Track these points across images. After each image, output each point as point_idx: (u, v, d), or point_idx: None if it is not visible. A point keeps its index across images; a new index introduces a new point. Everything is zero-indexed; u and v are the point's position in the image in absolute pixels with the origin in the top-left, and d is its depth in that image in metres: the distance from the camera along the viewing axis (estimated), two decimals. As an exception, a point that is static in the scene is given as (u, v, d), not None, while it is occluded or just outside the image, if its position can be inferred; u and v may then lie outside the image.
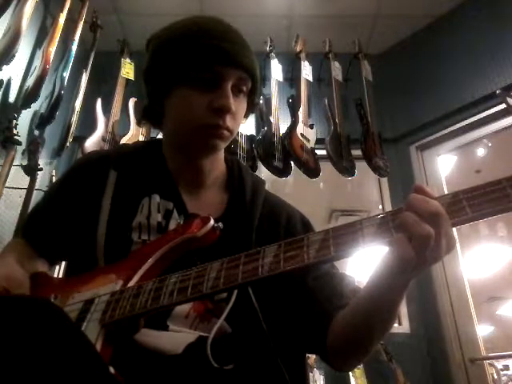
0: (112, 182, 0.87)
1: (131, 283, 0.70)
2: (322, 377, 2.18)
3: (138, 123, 2.72)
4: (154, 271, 0.73)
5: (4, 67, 2.04)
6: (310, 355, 2.14)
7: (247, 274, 0.60)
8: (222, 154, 0.95)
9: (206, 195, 0.91)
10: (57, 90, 2.41)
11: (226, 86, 0.81)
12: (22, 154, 2.23)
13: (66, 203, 0.89)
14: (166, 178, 0.89)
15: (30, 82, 2.25)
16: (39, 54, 2.41)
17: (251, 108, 0.93)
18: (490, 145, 2.92)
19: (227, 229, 0.79)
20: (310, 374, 2.14)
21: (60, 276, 0.97)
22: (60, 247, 0.90)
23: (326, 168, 2.65)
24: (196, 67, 0.81)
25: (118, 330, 0.65)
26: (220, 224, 0.77)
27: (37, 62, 2.35)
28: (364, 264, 2.89)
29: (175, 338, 0.73)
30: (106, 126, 2.67)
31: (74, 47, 2.58)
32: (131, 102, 2.83)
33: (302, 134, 2.70)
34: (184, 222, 0.81)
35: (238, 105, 0.85)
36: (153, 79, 0.88)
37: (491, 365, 2.46)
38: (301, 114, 2.77)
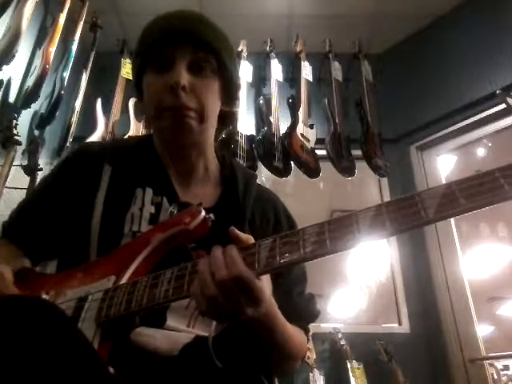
0: (107, 176, 0.87)
1: (124, 278, 0.70)
2: (322, 377, 2.18)
3: (139, 120, 2.73)
4: (146, 265, 0.73)
5: (4, 67, 2.03)
6: (309, 355, 2.14)
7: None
8: (207, 142, 0.92)
9: (199, 188, 0.91)
10: (57, 90, 2.41)
11: (178, 64, 0.82)
12: (22, 153, 2.23)
13: (58, 197, 0.88)
14: (158, 170, 0.89)
15: (30, 82, 2.25)
16: (39, 53, 2.41)
17: (231, 88, 0.90)
18: (489, 145, 2.91)
19: (219, 219, 0.79)
20: (310, 374, 2.14)
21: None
22: (47, 244, 0.88)
23: (326, 168, 2.65)
24: (152, 52, 0.84)
25: (114, 328, 0.65)
26: (211, 215, 0.76)
27: (37, 62, 2.35)
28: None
29: (171, 337, 0.73)
30: (106, 126, 2.67)
31: (74, 47, 2.57)
32: (131, 102, 2.83)
33: (302, 134, 2.69)
34: (175, 214, 0.80)
35: (200, 82, 0.83)
36: (132, 73, 0.93)
37: (491, 365, 2.46)
38: (301, 114, 2.77)
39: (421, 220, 0.53)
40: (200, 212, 0.75)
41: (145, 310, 0.64)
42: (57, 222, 0.86)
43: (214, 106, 0.87)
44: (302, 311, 0.87)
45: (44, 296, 0.72)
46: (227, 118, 0.93)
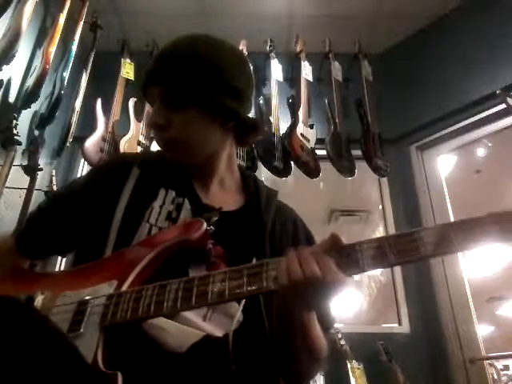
0: (134, 178, 0.92)
1: (126, 283, 0.71)
2: (322, 377, 2.18)
3: (139, 120, 2.74)
4: (147, 271, 0.75)
5: (4, 67, 2.03)
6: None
7: (252, 287, 0.62)
8: (215, 158, 0.95)
9: (219, 192, 0.96)
10: (57, 90, 2.41)
11: (157, 103, 0.89)
12: (22, 153, 2.23)
13: (87, 193, 0.94)
14: (181, 175, 0.94)
15: (30, 82, 2.25)
16: (39, 53, 2.41)
17: (218, 107, 0.88)
18: (490, 145, 2.91)
19: (241, 224, 0.84)
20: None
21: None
22: (69, 234, 0.93)
23: (326, 168, 2.65)
24: (143, 90, 0.93)
25: (117, 333, 0.66)
26: (212, 227, 0.80)
27: (37, 62, 2.35)
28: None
29: (182, 333, 0.73)
30: (106, 125, 2.67)
31: (74, 47, 2.57)
32: (131, 102, 2.83)
33: (302, 134, 2.69)
34: (178, 224, 0.84)
35: (177, 115, 0.88)
36: None
37: (491, 365, 2.45)
38: (301, 114, 2.77)
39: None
40: (202, 224, 0.79)
41: (151, 318, 0.65)
42: (82, 215, 0.91)
43: (198, 132, 0.90)
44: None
45: (40, 295, 0.72)
46: (240, 127, 0.94)
